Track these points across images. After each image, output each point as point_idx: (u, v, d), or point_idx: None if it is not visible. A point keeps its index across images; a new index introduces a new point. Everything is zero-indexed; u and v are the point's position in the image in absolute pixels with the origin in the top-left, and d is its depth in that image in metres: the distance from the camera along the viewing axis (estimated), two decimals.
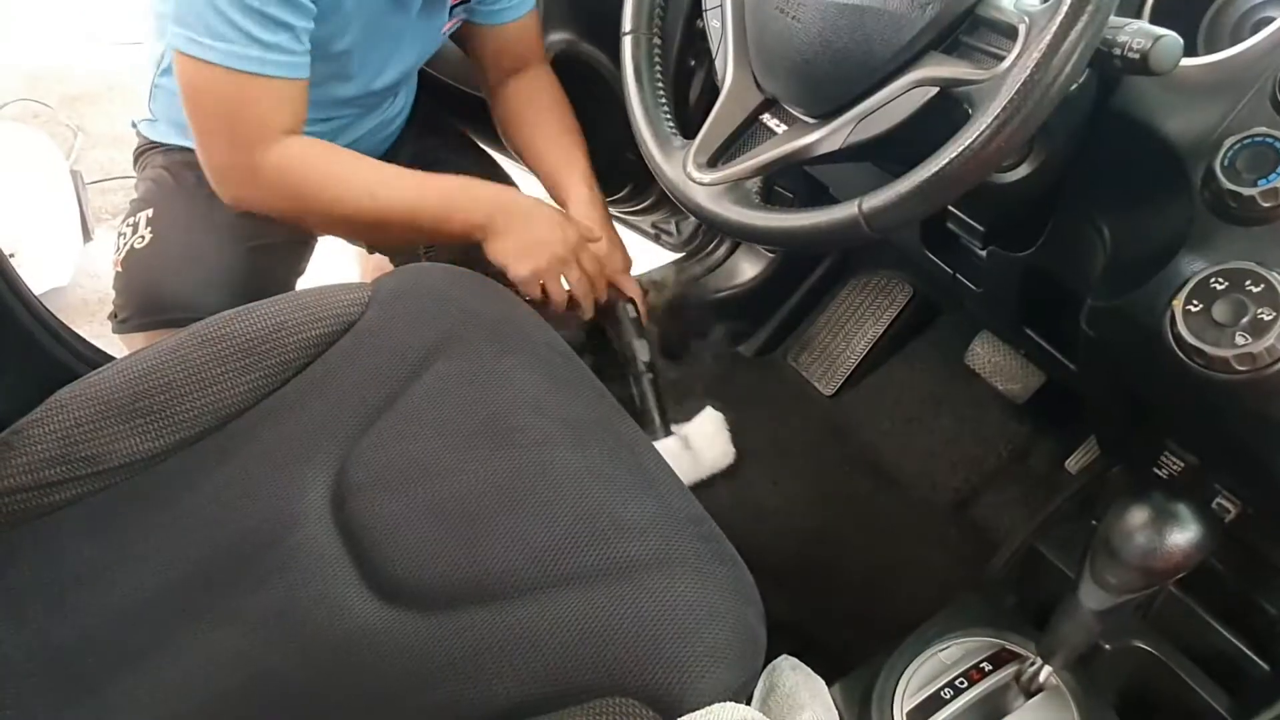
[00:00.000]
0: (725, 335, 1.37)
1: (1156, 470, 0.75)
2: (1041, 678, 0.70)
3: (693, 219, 1.49)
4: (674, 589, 0.66)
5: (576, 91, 1.22)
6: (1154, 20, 0.67)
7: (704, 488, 1.16)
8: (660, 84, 0.75)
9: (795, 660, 0.70)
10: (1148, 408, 0.72)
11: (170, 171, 1.07)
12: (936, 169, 0.54)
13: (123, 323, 0.99)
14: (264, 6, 0.84)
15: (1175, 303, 0.56)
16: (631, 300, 1.08)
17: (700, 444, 1.14)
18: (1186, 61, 0.63)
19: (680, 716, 0.58)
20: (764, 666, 0.69)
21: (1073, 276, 0.73)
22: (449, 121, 1.34)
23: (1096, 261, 0.68)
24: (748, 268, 1.37)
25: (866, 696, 0.73)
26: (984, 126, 0.52)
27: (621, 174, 1.41)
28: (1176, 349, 0.55)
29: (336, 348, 0.83)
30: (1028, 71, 0.50)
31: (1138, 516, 0.58)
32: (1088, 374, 0.79)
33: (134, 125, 1.16)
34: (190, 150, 1.08)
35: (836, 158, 0.64)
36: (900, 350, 1.35)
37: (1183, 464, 0.73)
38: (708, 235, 1.41)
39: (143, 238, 1.00)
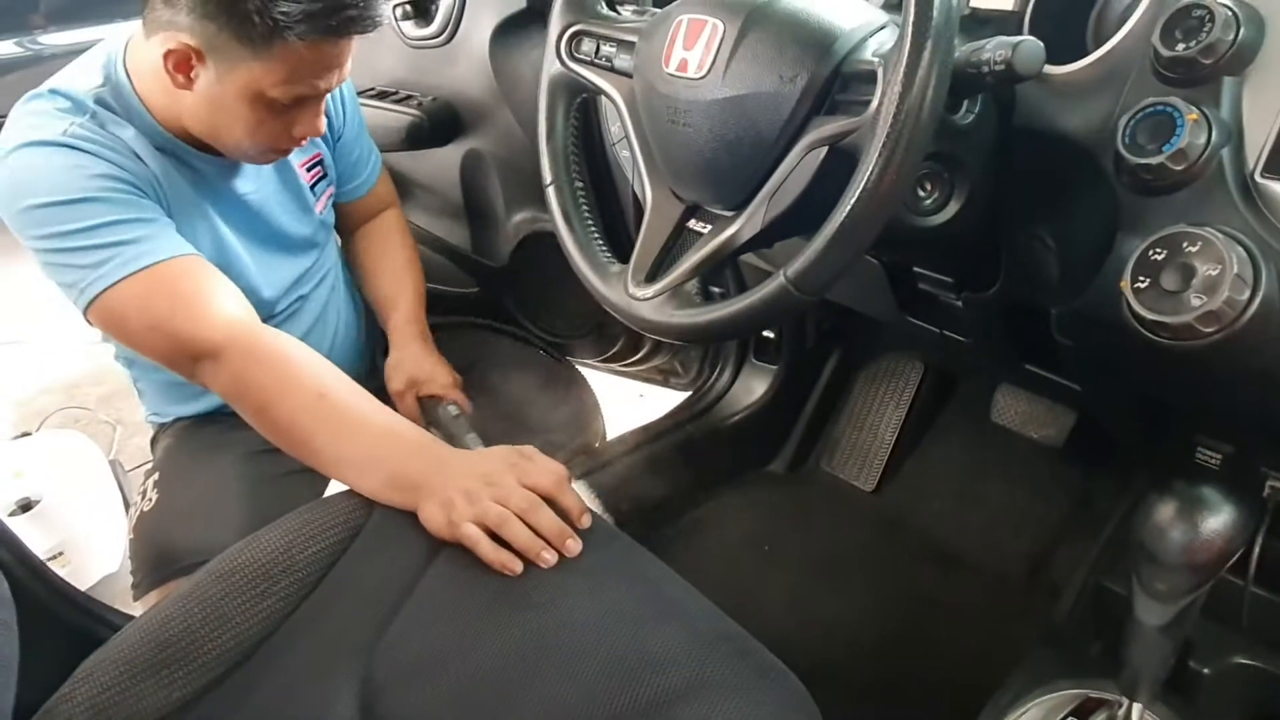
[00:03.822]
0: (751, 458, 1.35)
1: (1199, 465, 0.70)
2: (1135, 718, 0.63)
3: (695, 354, 1.50)
4: (715, 715, 0.62)
5: (551, 268, 1.25)
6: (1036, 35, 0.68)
7: (758, 610, 1.10)
8: (589, 220, 0.78)
9: None
10: (1162, 405, 0.69)
11: (176, 439, 1.10)
12: (841, 218, 0.54)
13: (137, 586, 0.98)
14: (107, 216, 0.83)
15: (1123, 285, 0.54)
16: (454, 402, 1.11)
17: None
18: (1071, 66, 0.64)
19: None
20: None
21: (1039, 295, 0.71)
22: None
23: (1052, 273, 0.67)
24: (755, 386, 1.36)
25: None
26: (870, 166, 0.53)
27: (612, 332, 1.43)
28: (1140, 328, 0.53)
29: (348, 555, 0.83)
30: (894, 105, 0.52)
31: (1165, 511, 0.53)
32: (1090, 388, 0.76)
33: (146, 420, 1.21)
34: (190, 417, 1.12)
35: (762, 240, 0.65)
36: (930, 427, 1.32)
37: (1219, 454, 0.68)
38: (710, 366, 1.42)
39: (150, 500, 1.02)
